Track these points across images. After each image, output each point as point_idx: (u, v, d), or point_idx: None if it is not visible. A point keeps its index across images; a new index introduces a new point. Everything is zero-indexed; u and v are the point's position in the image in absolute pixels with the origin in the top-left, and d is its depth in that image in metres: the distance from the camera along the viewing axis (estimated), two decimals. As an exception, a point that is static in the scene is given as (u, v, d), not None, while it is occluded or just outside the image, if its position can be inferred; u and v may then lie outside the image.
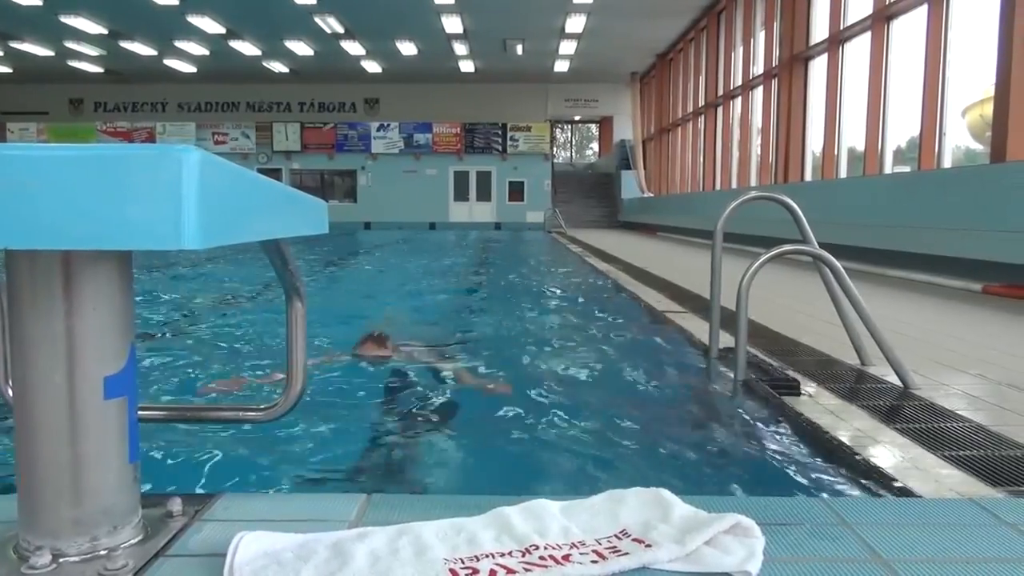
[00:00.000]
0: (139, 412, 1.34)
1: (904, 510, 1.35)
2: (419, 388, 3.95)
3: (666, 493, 1.33)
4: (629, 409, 3.63)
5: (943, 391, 3.43)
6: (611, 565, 1.14)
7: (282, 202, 1.20)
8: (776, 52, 16.32)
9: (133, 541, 1.20)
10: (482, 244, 19.86)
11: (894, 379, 3.55)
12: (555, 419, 3.44)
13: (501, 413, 3.60)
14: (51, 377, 1.12)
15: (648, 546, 1.17)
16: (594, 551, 1.18)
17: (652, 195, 29.44)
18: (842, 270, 3.70)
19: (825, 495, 2.21)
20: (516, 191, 31.81)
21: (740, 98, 19.56)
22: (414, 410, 3.58)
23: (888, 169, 12.17)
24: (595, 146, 43.13)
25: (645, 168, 31.46)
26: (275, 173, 32.30)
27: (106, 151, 0.86)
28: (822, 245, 4.27)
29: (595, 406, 3.67)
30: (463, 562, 1.14)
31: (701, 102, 23.04)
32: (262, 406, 1.46)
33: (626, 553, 1.16)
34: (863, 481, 2.38)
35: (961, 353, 4.37)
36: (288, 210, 1.23)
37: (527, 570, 1.12)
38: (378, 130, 32.07)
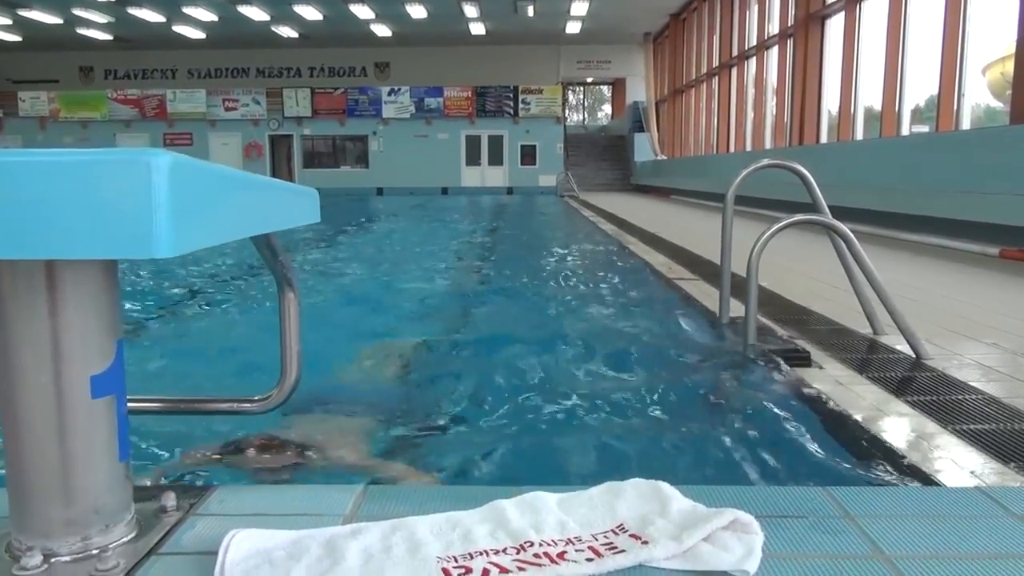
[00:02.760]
0: (130, 404, 1.33)
1: (909, 500, 1.32)
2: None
3: (665, 486, 1.30)
4: (634, 379, 3.61)
5: (956, 361, 3.38)
6: (606, 563, 1.12)
7: (266, 196, 1.17)
8: (792, 11, 16.00)
9: (125, 539, 1.19)
10: (493, 210, 19.78)
11: (906, 349, 3.51)
12: (557, 389, 3.43)
13: (506, 380, 3.60)
14: (37, 378, 1.10)
15: (645, 543, 1.15)
16: (590, 547, 1.16)
17: (665, 158, 29.17)
18: (854, 239, 3.64)
19: (828, 485, 2.18)
20: (528, 155, 31.59)
21: (755, 58, 19.25)
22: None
23: (906, 129, 11.97)
24: (608, 108, 42.68)
25: (658, 130, 31.13)
26: (286, 139, 32.26)
27: (71, 157, 0.83)
28: (836, 209, 4.21)
29: (599, 376, 3.65)
30: (456, 560, 1.12)
31: (715, 63, 22.69)
32: (256, 397, 1.45)
33: (622, 550, 1.14)
34: (871, 459, 2.36)
35: (975, 321, 4.32)
36: (274, 204, 1.20)
37: (521, 569, 1.10)
38: (389, 95, 31.84)
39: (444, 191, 30.38)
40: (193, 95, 32.14)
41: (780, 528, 1.22)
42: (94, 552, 1.15)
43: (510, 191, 30.64)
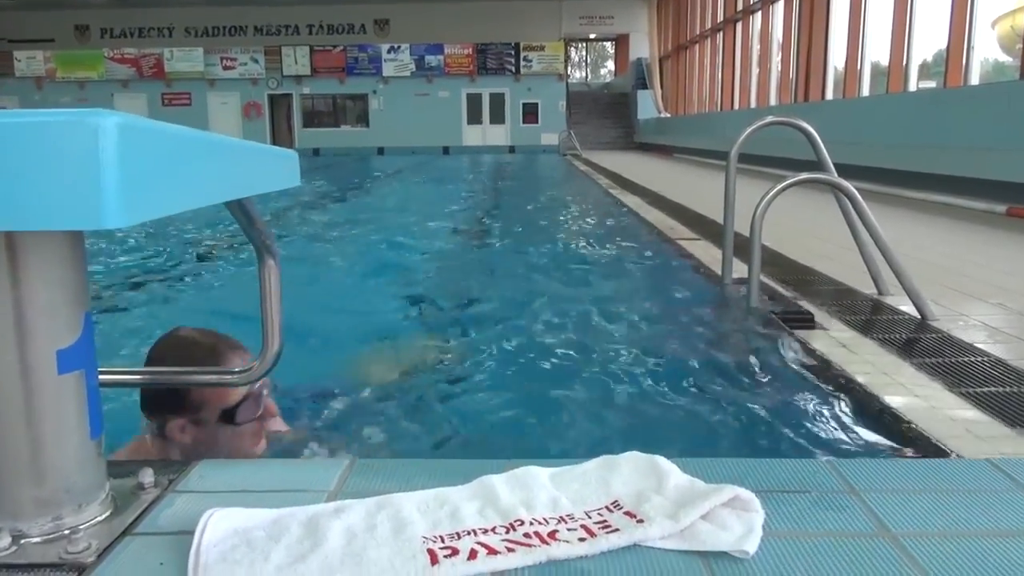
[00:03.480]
0: (105, 377, 1.27)
1: (915, 474, 1.27)
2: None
3: (662, 460, 1.25)
4: (633, 340, 3.57)
5: (961, 322, 3.33)
6: (599, 543, 1.07)
7: (235, 159, 1.10)
8: (798, -38, 15.67)
9: (99, 519, 1.14)
10: (495, 169, 19.63)
11: (911, 310, 3.46)
12: (558, 351, 3.40)
13: (504, 343, 3.57)
14: (1, 355, 1.05)
15: (640, 521, 1.10)
16: (582, 526, 1.11)
17: (669, 115, 28.86)
18: (860, 198, 3.57)
19: (831, 452, 2.14)
20: (530, 113, 31.29)
21: (760, 13, 18.93)
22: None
23: (913, 85, 11.78)
24: (611, 65, 42.13)
25: (662, 87, 30.77)
26: (286, 98, 31.94)
27: (8, 119, 0.76)
28: (841, 166, 4.13)
29: (599, 338, 3.61)
30: (443, 540, 1.08)
31: (720, 18, 22.33)
32: (237, 369, 1.40)
33: (616, 529, 1.09)
34: (875, 424, 2.31)
35: (982, 280, 4.26)
36: (244, 167, 1.13)
37: (510, 550, 1.05)
38: (389, 52, 31.44)
39: (445, 151, 30.15)
40: (191, 54, 31.76)
41: (781, 504, 1.18)
42: (65, 532, 1.10)
43: (512, 150, 30.39)
